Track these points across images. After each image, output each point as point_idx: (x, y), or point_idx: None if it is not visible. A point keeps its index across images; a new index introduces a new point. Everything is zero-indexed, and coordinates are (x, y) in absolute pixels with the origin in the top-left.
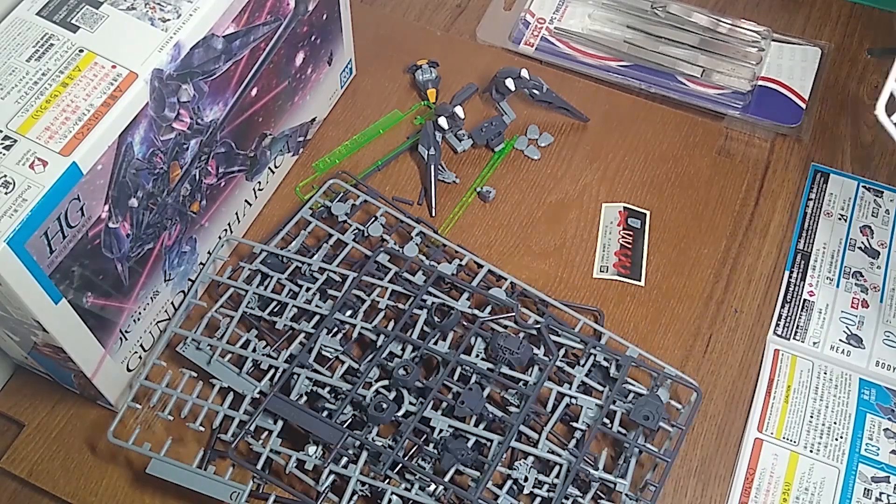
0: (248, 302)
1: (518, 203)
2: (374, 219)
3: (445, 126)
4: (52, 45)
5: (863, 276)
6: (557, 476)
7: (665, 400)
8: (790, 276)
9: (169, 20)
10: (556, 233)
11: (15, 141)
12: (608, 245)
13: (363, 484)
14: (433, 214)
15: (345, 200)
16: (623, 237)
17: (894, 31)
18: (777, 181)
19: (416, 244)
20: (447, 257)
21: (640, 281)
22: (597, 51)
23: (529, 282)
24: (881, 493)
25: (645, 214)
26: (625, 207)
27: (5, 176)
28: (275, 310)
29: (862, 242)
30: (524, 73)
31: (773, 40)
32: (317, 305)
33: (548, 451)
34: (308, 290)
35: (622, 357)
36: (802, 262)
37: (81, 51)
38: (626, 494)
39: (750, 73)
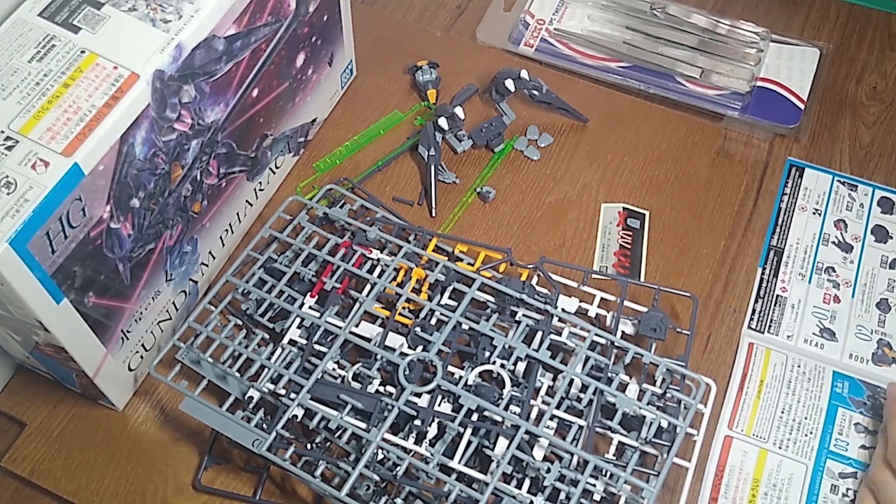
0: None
1: (518, 203)
2: (368, 226)
3: (445, 127)
4: (53, 45)
5: (835, 272)
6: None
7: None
8: (763, 273)
9: (170, 21)
10: (556, 233)
11: (17, 142)
12: (607, 245)
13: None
14: (433, 215)
15: (343, 206)
16: (622, 237)
17: (892, 31)
18: (776, 182)
19: (415, 247)
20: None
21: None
22: (596, 52)
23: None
24: (848, 489)
25: (644, 215)
26: (624, 208)
27: (7, 176)
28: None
29: (836, 237)
30: (524, 73)
31: (772, 41)
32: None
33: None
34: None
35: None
36: (775, 258)
37: (83, 52)
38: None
39: (749, 74)
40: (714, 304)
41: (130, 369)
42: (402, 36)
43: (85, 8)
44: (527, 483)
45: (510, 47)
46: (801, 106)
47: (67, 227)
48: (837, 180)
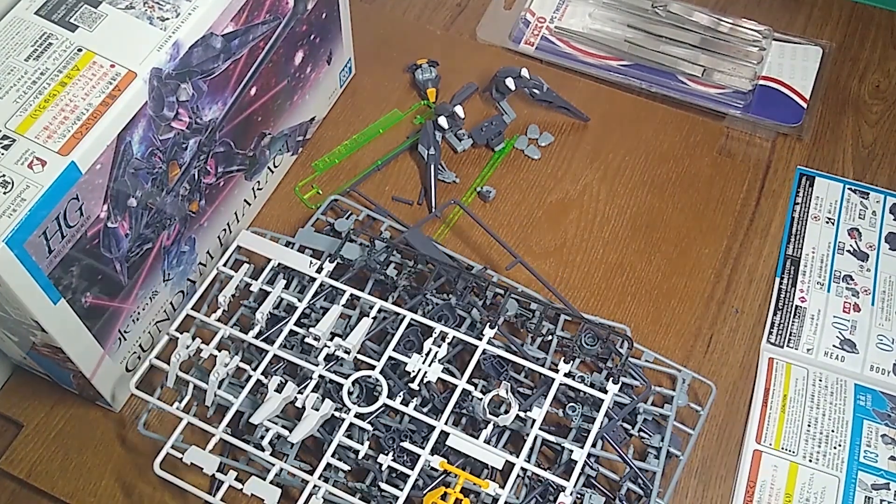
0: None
1: (518, 203)
2: (378, 234)
3: (445, 125)
4: (50, 44)
5: (853, 280)
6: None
7: (685, 402)
8: (780, 283)
9: (168, 19)
10: (557, 233)
11: (13, 140)
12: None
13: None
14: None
15: (348, 217)
16: None
17: (895, 30)
18: (778, 181)
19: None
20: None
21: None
22: (597, 50)
23: (529, 283)
24: (882, 501)
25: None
26: None
27: (4, 175)
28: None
29: (851, 245)
30: (524, 72)
31: (775, 39)
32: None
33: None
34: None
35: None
36: (792, 267)
37: (80, 50)
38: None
39: (751, 73)
40: (716, 305)
41: (128, 370)
42: (401, 34)
43: (82, 6)
44: None
45: (511, 45)
46: (804, 105)
47: (64, 226)
48: (849, 188)
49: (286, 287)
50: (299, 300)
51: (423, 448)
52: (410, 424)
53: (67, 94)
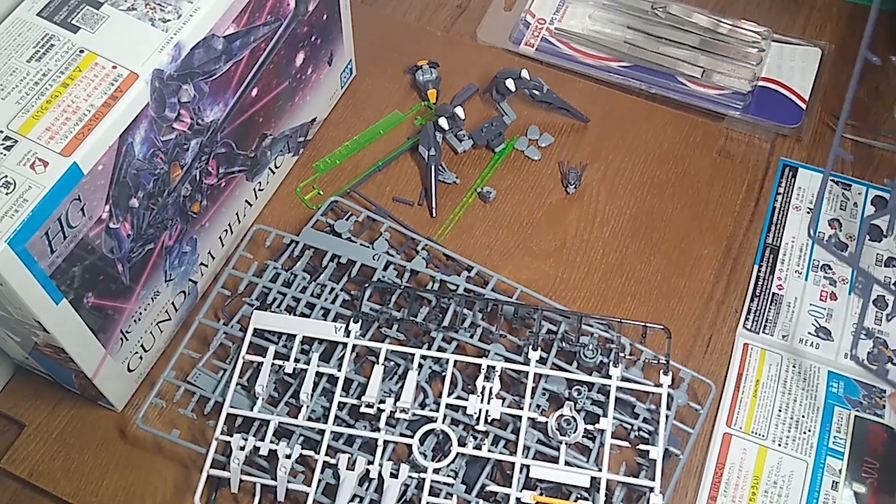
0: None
1: (518, 203)
2: (378, 235)
3: (446, 126)
4: (52, 45)
5: (831, 269)
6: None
7: (684, 401)
8: (759, 271)
9: (169, 20)
10: (557, 233)
11: (16, 141)
12: None
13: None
14: (433, 215)
15: (348, 218)
16: None
17: (894, 31)
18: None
19: (423, 258)
20: (456, 269)
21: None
22: (597, 51)
23: (529, 283)
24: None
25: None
26: None
27: (6, 176)
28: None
29: (830, 236)
30: (524, 73)
31: (774, 41)
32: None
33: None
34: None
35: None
36: (771, 255)
37: (82, 51)
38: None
39: (750, 74)
40: (716, 305)
41: (130, 370)
42: (402, 35)
43: (84, 7)
44: None
45: (511, 47)
46: (803, 106)
47: (66, 227)
48: (831, 180)
49: (305, 352)
50: (325, 363)
51: (510, 486)
52: (476, 463)
53: (69, 96)
